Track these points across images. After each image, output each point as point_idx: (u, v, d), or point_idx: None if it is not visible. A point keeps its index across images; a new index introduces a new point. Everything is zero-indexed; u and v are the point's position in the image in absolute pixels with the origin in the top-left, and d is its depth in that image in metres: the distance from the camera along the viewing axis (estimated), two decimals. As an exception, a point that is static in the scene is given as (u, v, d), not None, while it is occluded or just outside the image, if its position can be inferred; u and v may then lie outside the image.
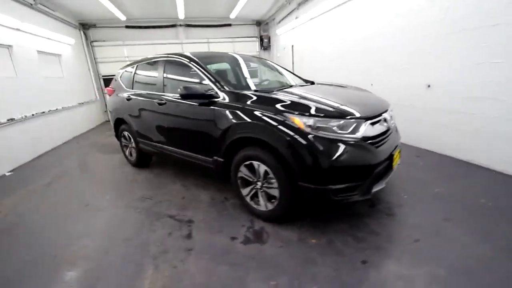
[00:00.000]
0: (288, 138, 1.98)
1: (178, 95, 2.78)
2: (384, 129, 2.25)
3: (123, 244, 2.22)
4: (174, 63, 3.16)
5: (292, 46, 8.20)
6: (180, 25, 9.21)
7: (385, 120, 2.30)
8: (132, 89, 3.79)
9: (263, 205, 2.36)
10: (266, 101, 2.24)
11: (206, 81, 2.67)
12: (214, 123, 2.51)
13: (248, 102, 2.30)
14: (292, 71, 3.46)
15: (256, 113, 2.18)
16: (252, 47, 10.22)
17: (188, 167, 3.79)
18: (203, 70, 2.75)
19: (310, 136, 1.92)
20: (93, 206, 2.95)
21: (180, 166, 3.98)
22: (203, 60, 2.91)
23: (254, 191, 2.41)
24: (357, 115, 2.04)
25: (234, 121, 2.32)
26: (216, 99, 2.52)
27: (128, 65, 4.13)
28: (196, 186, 3.29)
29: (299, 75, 3.82)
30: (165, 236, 2.30)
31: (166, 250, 2.11)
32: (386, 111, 2.37)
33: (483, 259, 1.78)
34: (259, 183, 2.33)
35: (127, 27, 8.75)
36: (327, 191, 1.94)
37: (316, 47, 6.83)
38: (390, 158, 2.21)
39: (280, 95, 2.29)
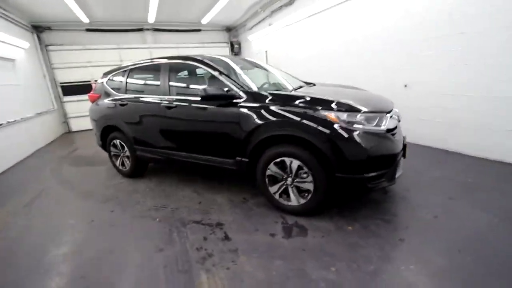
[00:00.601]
0: (326, 133, 2.11)
1: (190, 98, 2.72)
2: (396, 122, 2.53)
3: (158, 255, 2.09)
4: (182, 66, 3.09)
5: (266, 51, 8.46)
6: (148, 29, 8.83)
7: (394, 114, 2.59)
8: (126, 93, 3.56)
9: (294, 200, 2.44)
10: (295, 99, 2.34)
11: (225, 83, 2.67)
12: (238, 124, 2.52)
13: (276, 102, 2.38)
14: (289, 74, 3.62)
15: (289, 111, 2.27)
16: (223, 53, 10.24)
17: (196, 172, 3.71)
18: (220, 72, 2.75)
19: (346, 130, 2.09)
20: (101, 221, 2.69)
21: (183, 173, 3.84)
22: (216, 63, 2.90)
23: (283, 187, 2.48)
24: (382, 109, 2.27)
25: (263, 120, 2.37)
26: (237, 100, 2.55)
27: (115, 70, 3.86)
28: (207, 190, 3.22)
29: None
30: (201, 240, 2.23)
31: (210, 253, 2.05)
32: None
33: (490, 226, 2.13)
34: (290, 179, 2.41)
35: (88, 30, 8.08)
36: (363, 179, 2.11)
37: (291, 52, 7.18)
38: (404, 147, 2.49)
39: (303, 94, 2.42)
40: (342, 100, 2.23)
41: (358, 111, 2.16)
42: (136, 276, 1.88)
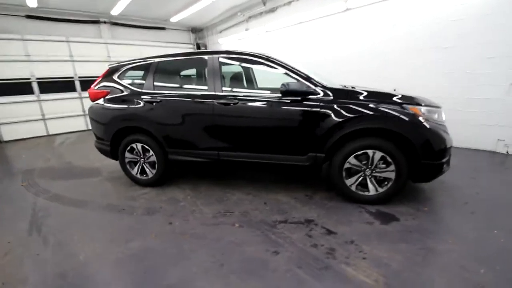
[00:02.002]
0: (415, 126, 2.36)
1: (253, 93, 2.59)
2: None
3: (279, 258, 1.94)
4: (240, 61, 2.95)
5: (241, 55, 8.48)
6: (105, 22, 7.75)
7: None
8: (154, 90, 3.12)
9: (372, 190, 2.61)
10: (377, 95, 2.53)
11: (297, 78, 2.66)
12: (317, 120, 2.56)
13: (358, 97, 2.52)
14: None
15: (375, 106, 2.44)
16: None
17: (226, 173, 3.49)
18: (290, 68, 2.72)
19: (429, 123, 2.38)
20: (174, 236, 2.29)
21: (210, 175, 3.55)
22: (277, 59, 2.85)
23: (361, 178, 2.62)
24: (438, 105, 2.67)
25: (351, 115, 2.47)
26: (314, 96, 2.59)
27: (130, 63, 3.33)
28: (260, 191, 3.09)
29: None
30: (307, 238, 2.16)
31: (331, 248, 2.02)
32: None
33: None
34: (368, 170, 2.57)
35: (28, 17, 6.58)
36: (442, 164, 2.44)
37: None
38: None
39: (380, 91, 2.64)
40: (419, 97, 2.54)
41: (437, 107, 2.50)
42: (282, 279, 1.72)
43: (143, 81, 3.21)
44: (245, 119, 2.79)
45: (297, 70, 2.72)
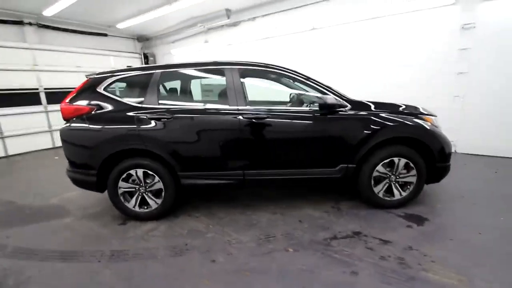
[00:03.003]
0: (431, 133, 2.65)
1: (281, 107, 2.51)
2: None
3: (359, 279, 1.86)
4: (259, 74, 2.77)
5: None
6: (31, 24, 6.30)
7: None
8: (158, 105, 2.65)
9: (397, 194, 2.79)
10: (396, 107, 2.75)
11: (325, 92, 2.68)
12: (349, 132, 2.62)
13: (382, 109, 2.69)
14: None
15: (399, 116, 2.65)
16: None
17: (236, 193, 3.23)
18: (317, 81, 2.72)
19: (439, 130, 2.72)
20: (225, 275, 1.93)
21: (217, 197, 3.21)
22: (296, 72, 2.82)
23: (387, 185, 2.78)
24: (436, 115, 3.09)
25: (380, 126, 2.61)
26: (343, 109, 2.65)
27: (120, 72, 2.77)
28: (284, 208, 2.94)
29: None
30: (369, 252, 2.14)
31: (399, 257, 2.04)
32: None
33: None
34: (393, 177, 2.76)
35: None
36: (449, 165, 2.80)
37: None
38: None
39: (395, 102, 2.87)
40: (422, 107, 2.87)
41: (435, 116, 2.87)
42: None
43: (142, 95, 2.69)
44: (276, 134, 2.63)
45: (324, 84, 2.75)
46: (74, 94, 2.71)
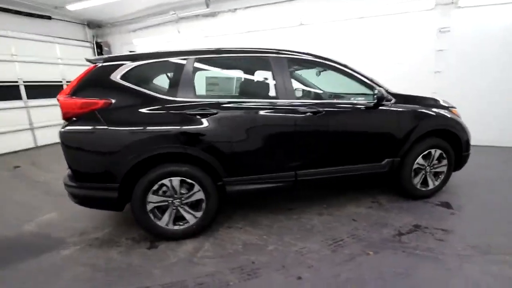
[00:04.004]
0: (460, 125, 2.82)
1: (336, 101, 2.37)
2: None
3: (466, 272, 1.82)
4: (306, 64, 2.52)
5: (169, 61, 7.30)
6: None
7: None
8: (195, 98, 2.18)
9: (431, 184, 2.90)
10: (432, 100, 2.84)
11: (372, 85, 2.60)
12: (397, 125, 2.60)
13: (422, 103, 2.75)
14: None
15: (438, 110, 2.75)
16: (83, 55, 7.39)
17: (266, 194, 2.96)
18: (361, 74, 2.61)
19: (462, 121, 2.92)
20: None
21: (242, 201, 2.87)
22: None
23: (423, 176, 2.86)
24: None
25: (422, 119, 2.66)
26: (388, 102, 2.61)
27: (144, 56, 2.19)
28: (327, 208, 2.77)
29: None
30: (447, 245, 2.11)
31: (475, 246, 2.08)
32: None
33: None
34: (428, 168, 2.85)
35: None
36: (469, 154, 3.03)
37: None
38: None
39: (428, 96, 2.96)
40: (443, 99, 3.04)
41: (455, 107, 3.08)
42: None
43: (173, 86, 2.18)
44: (330, 129, 2.44)
45: (369, 77, 2.67)
46: (77, 85, 2.04)
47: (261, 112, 2.25)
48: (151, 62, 2.18)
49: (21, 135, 5.99)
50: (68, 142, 1.99)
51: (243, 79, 2.58)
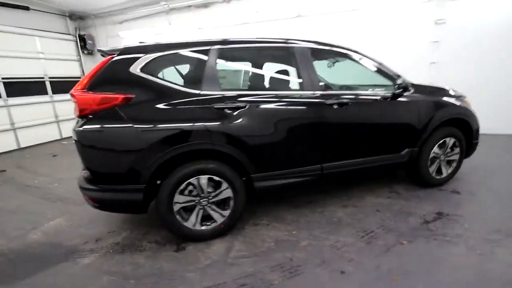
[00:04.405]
0: (472, 113, 2.90)
1: (360, 92, 2.37)
2: None
3: (502, 257, 1.87)
4: (330, 55, 2.45)
5: (160, 54, 6.99)
6: None
7: None
8: (221, 90, 2.07)
9: (445, 172, 2.97)
10: (447, 91, 2.88)
11: (393, 76, 2.59)
12: (417, 115, 2.62)
13: (437, 93, 2.78)
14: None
15: (452, 99, 2.80)
16: (65, 49, 6.93)
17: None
18: (380, 64, 2.59)
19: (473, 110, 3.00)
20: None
21: (273, 198, 2.81)
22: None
23: (438, 165, 2.92)
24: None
25: (441, 108, 2.70)
26: (407, 92, 2.62)
27: (164, 46, 2.03)
28: (349, 200, 2.75)
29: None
30: (474, 231, 2.16)
31: (498, 230, 2.15)
32: None
33: None
34: (443, 156, 2.91)
35: None
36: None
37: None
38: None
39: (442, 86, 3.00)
40: (453, 88, 3.10)
41: (465, 96, 3.15)
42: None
43: (196, 78, 2.05)
44: (356, 120, 2.42)
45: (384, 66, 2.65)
46: (94, 78, 1.86)
47: (289, 105, 2.18)
48: (172, 53, 2.03)
49: (2, 136, 5.52)
50: (87, 142, 1.81)
51: (269, 70, 2.49)
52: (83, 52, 7.24)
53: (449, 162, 2.96)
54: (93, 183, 1.90)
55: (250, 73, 2.38)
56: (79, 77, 7.24)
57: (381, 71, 2.59)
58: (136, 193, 1.90)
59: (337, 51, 2.52)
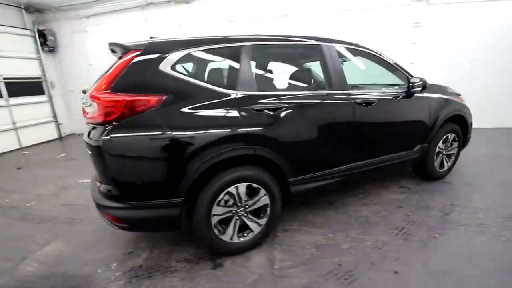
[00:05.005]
0: (468, 110, 3.14)
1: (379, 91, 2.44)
2: None
3: (519, 241, 2.02)
4: (354, 53, 2.43)
5: (136, 52, 6.45)
6: None
7: None
8: (257, 90, 1.93)
9: (446, 166, 3.17)
10: (447, 89, 3.07)
11: (407, 75, 2.67)
12: (429, 112, 2.75)
13: (438, 91, 2.95)
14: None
15: (453, 97, 2.99)
16: (22, 45, 6.04)
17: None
18: (395, 63, 2.66)
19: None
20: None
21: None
22: None
23: (441, 159, 3.11)
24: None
25: (448, 105, 2.88)
26: (417, 89, 2.73)
27: (196, 41, 1.83)
28: (366, 198, 2.80)
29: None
30: (491, 220, 2.30)
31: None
32: None
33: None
34: (445, 150, 3.11)
35: None
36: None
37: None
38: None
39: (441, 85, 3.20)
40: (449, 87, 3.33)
41: (460, 94, 3.40)
42: None
43: (231, 77, 1.89)
44: (382, 119, 2.45)
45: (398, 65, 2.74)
46: (118, 78, 1.59)
47: (325, 105, 2.12)
48: (204, 49, 1.83)
49: None
50: (116, 152, 1.54)
51: (300, 69, 2.39)
52: (43, 50, 6.39)
53: (449, 156, 3.17)
54: (121, 200, 1.62)
55: (284, 72, 2.27)
56: (39, 78, 6.38)
57: (397, 70, 2.66)
58: (173, 208, 1.68)
59: (364, 51, 2.53)
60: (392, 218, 2.42)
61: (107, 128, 1.54)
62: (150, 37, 1.93)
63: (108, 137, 1.52)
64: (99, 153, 1.55)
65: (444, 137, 2.98)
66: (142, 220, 1.67)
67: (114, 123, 1.56)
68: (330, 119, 2.16)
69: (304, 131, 2.04)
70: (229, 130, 1.74)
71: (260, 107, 1.85)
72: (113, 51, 1.89)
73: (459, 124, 3.09)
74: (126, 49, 1.67)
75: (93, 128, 1.68)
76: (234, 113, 1.78)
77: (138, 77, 1.63)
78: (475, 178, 3.18)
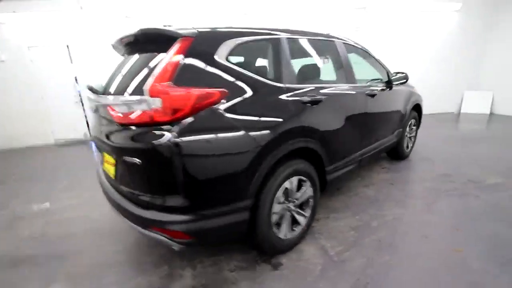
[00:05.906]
0: (421, 99, 3.84)
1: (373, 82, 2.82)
2: None
3: None
4: (353, 49, 2.67)
5: (68, 46, 5.36)
6: None
7: None
8: (296, 83, 1.93)
9: (409, 146, 3.81)
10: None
11: (384, 68, 3.08)
12: (404, 100, 3.26)
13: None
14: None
15: (413, 89, 3.61)
16: None
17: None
18: (377, 59, 3.04)
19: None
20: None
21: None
22: None
23: (407, 141, 3.71)
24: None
25: (410, 96, 3.44)
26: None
27: (245, 31, 1.70)
28: (362, 180, 3.13)
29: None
30: (468, 187, 2.84)
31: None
32: None
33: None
34: (408, 133, 3.72)
35: None
36: (419, 120, 4.16)
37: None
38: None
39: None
40: None
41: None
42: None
43: (274, 69, 1.84)
44: (379, 109, 2.77)
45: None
46: (178, 69, 1.35)
47: (353, 96, 2.30)
48: (250, 40, 1.71)
49: None
50: (189, 156, 1.30)
51: (326, 63, 2.47)
52: None
53: (410, 138, 3.82)
54: (189, 211, 1.38)
55: (319, 65, 2.30)
56: None
57: (380, 64, 3.04)
58: (242, 212, 1.53)
59: (358, 48, 2.80)
60: (395, 195, 2.77)
61: (166, 128, 1.28)
62: (164, 25, 1.69)
63: (178, 140, 1.27)
64: (160, 159, 1.29)
65: (409, 122, 3.57)
66: (212, 231, 1.46)
67: (183, 120, 1.32)
68: (354, 109, 2.36)
69: (337, 121, 2.16)
70: (291, 123, 1.70)
71: (306, 99, 1.86)
72: (116, 46, 1.63)
73: (416, 111, 3.76)
74: (177, 36, 1.42)
75: (118, 130, 1.40)
76: (290, 106, 1.75)
77: (197, 68, 1.41)
78: (429, 154, 3.92)
